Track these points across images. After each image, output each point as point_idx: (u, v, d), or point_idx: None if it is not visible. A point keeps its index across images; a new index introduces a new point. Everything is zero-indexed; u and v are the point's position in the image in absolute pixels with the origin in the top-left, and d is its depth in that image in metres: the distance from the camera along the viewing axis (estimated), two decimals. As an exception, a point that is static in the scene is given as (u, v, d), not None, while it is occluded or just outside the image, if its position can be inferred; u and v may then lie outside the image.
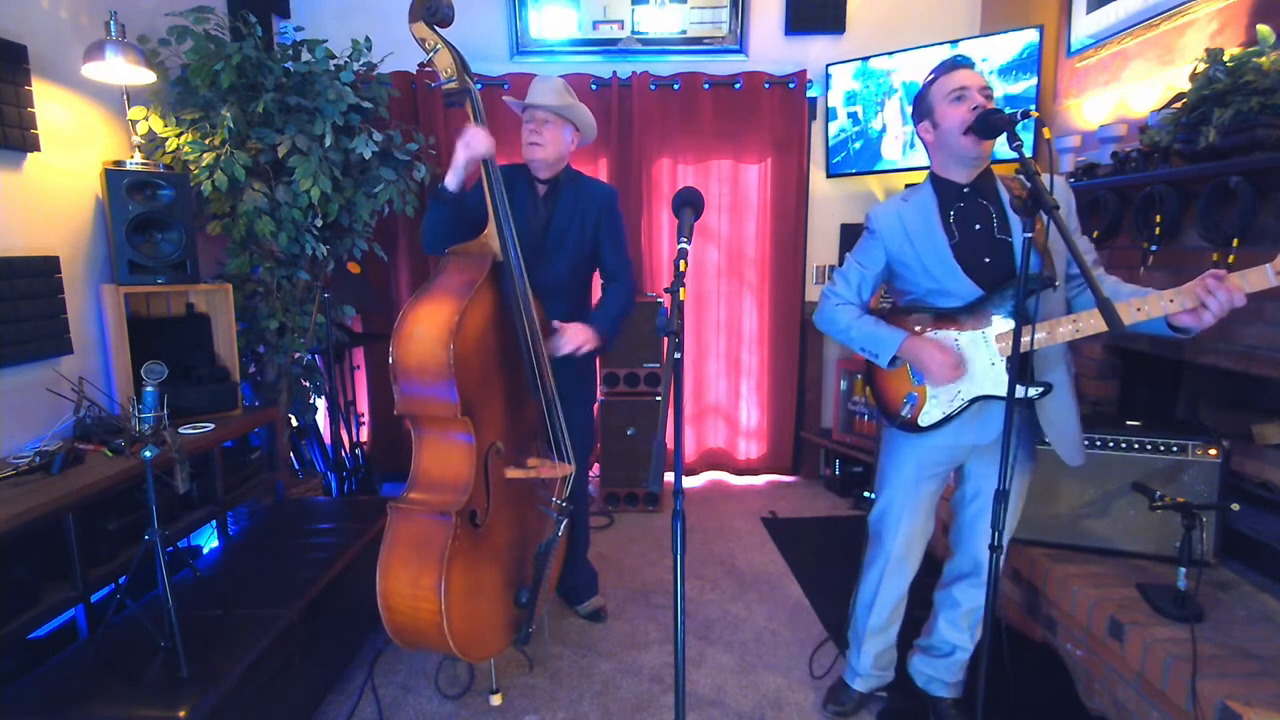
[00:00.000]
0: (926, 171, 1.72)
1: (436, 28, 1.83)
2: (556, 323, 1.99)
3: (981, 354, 1.60)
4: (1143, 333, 1.51)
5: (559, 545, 2.04)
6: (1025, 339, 1.52)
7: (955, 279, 1.60)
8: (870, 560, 1.86)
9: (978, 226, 1.61)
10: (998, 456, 1.66)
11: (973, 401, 1.62)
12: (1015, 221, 1.59)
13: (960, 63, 1.58)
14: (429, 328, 1.70)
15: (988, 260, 1.60)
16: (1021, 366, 1.57)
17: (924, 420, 1.66)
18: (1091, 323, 1.47)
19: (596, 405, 3.57)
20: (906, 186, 2.99)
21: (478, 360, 1.78)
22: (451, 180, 1.87)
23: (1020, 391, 1.55)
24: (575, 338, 1.98)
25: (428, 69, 1.89)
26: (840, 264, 3.11)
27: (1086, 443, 2.06)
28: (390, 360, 1.73)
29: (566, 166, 2.16)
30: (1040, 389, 1.56)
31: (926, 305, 1.67)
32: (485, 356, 1.82)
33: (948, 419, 1.64)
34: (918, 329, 1.65)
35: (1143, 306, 1.42)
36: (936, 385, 1.62)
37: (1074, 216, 1.61)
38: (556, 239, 2.12)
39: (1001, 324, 1.58)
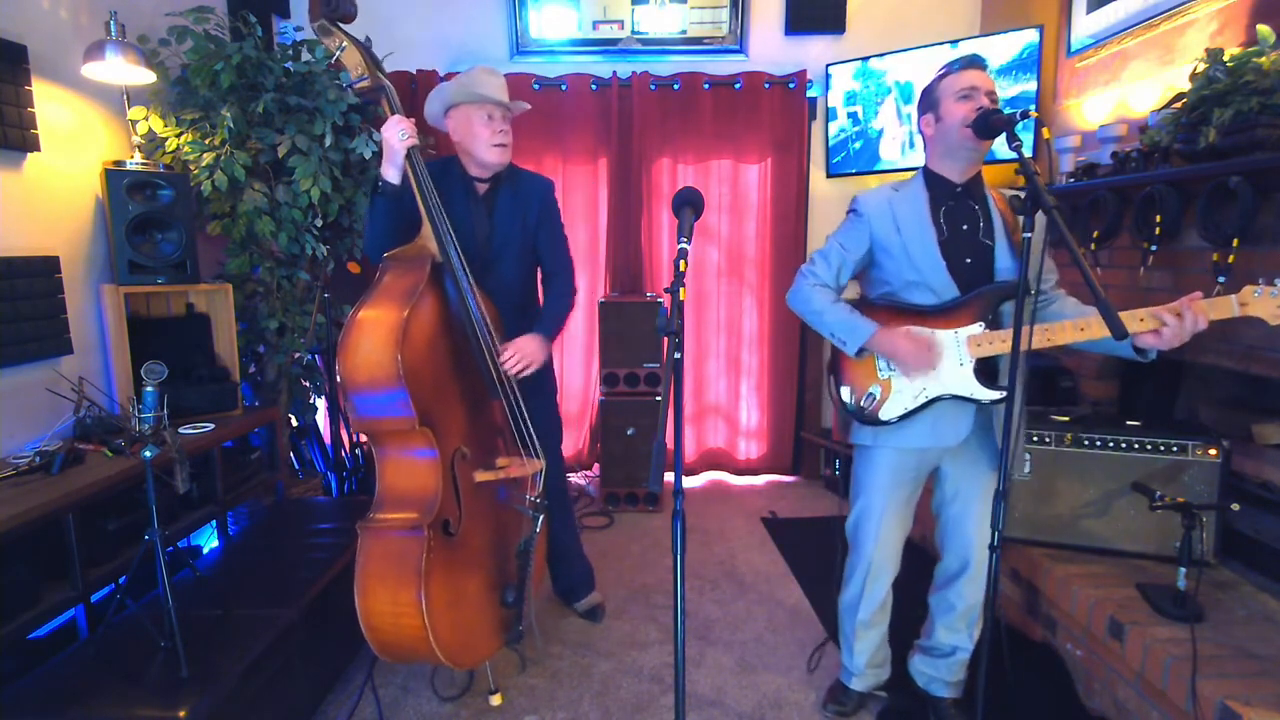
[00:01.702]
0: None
1: (340, 24, 1.75)
2: (502, 346, 1.90)
3: (951, 354, 1.61)
4: (1098, 352, 1.57)
5: (539, 541, 2.01)
6: (992, 343, 1.57)
7: (938, 274, 1.62)
8: (852, 567, 1.86)
9: (964, 226, 1.63)
10: (971, 456, 1.70)
11: (935, 401, 1.63)
12: (999, 227, 1.63)
13: (973, 62, 1.60)
14: (374, 339, 1.62)
15: (969, 261, 1.62)
16: (987, 370, 1.62)
17: (885, 414, 1.67)
18: (1093, 329, 1.49)
19: (591, 401, 3.60)
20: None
21: (429, 366, 1.71)
22: (393, 174, 1.79)
23: (983, 395, 1.60)
24: (528, 355, 1.90)
25: (337, 67, 1.80)
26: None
27: (1086, 443, 2.07)
28: (338, 377, 1.65)
29: None
30: (1003, 392, 1.58)
31: (899, 300, 1.69)
32: (437, 361, 1.75)
33: (908, 415, 1.65)
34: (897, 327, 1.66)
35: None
36: (912, 374, 1.63)
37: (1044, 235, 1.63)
38: (501, 243, 2.04)
39: (975, 327, 1.59)
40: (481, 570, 1.87)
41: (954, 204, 1.64)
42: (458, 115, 1.97)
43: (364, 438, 3.65)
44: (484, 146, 1.95)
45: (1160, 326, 1.40)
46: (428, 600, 1.63)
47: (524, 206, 2.07)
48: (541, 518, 1.96)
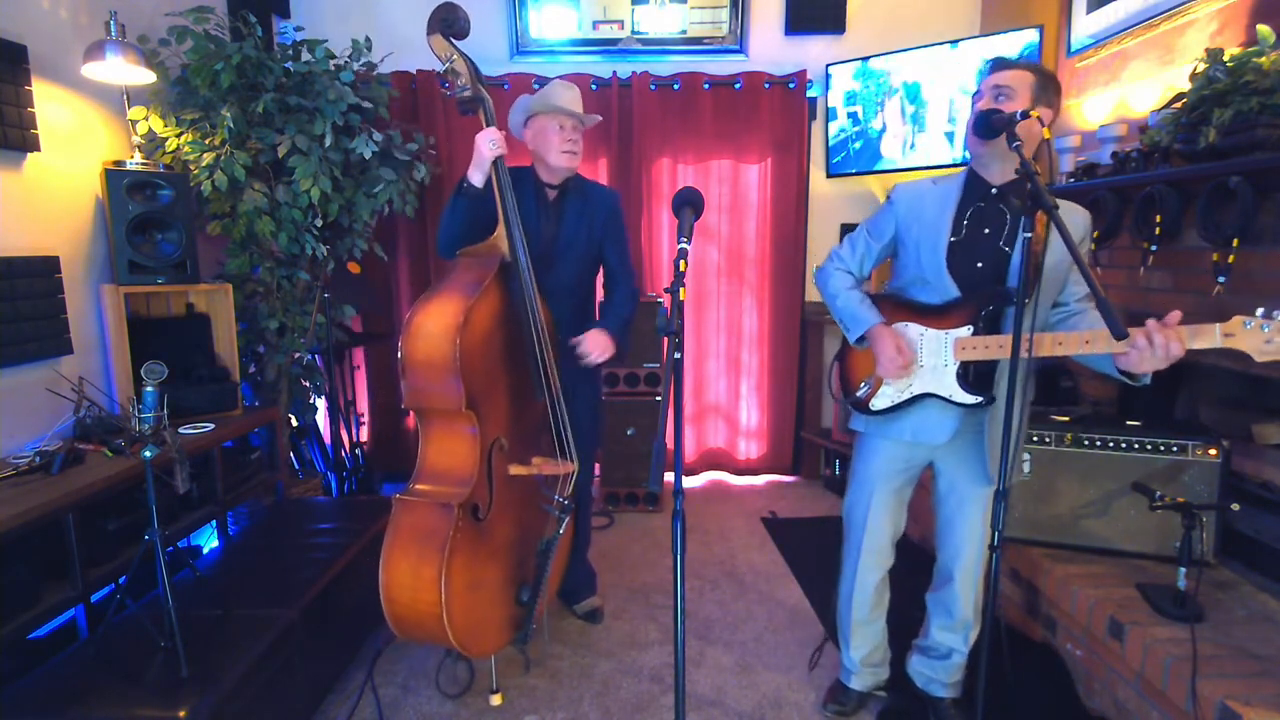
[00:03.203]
0: (926, 172, 1.73)
1: (453, 40, 1.90)
2: (575, 340, 2.02)
3: (939, 355, 1.63)
4: (1091, 367, 1.54)
5: (561, 544, 2.05)
6: (976, 348, 1.57)
7: (939, 274, 1.63)
8: (846, 553, 1.90)
9: (987, 230, 1.61)
10: (963, 455, 1.71)
11: (919, 398, 1.66)
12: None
13: (993, 66, 1.58)
14: (436, 323, 1.74)
15: (979, 265, 1.61)
16: (978, 374, 1.61)
17: (875, 405, 1.72)
18: (1071, 344, 1.46)
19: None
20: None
21: (483, 356, 1.81)
22: (478, 177, 1.92)
23: (960, 398, 1.61)
24: (599, 346, 2.03)
25: (445, 77, 1.94)
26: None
27: (1086, 443, 2.07)
28: (399, 355, 1.77)
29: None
30: (981, 398, 1.59)
31: (904, 296, 1.71)
32: (491, 352, 1.85)
33: (895, 408, 1.69)
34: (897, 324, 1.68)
35: (1091, 340, 1.42)
36: (883, 377, 1.67)
37: (1086, 242, 1.61)
38: (565, 245, 2.14)
39: (964, 330, 1.60)
40: (502, 562, 1.91)
41: (984, 205, 1.62)
42: (534, 124, 2.10)
43: (364, 436, 3.66)
44: (555, 152, 2.06)
45: (1130, 349, 1.33)
46: (447, 579, 1.68)
47: (591, 215, 2.18)
48: (567, 519, 2.02)
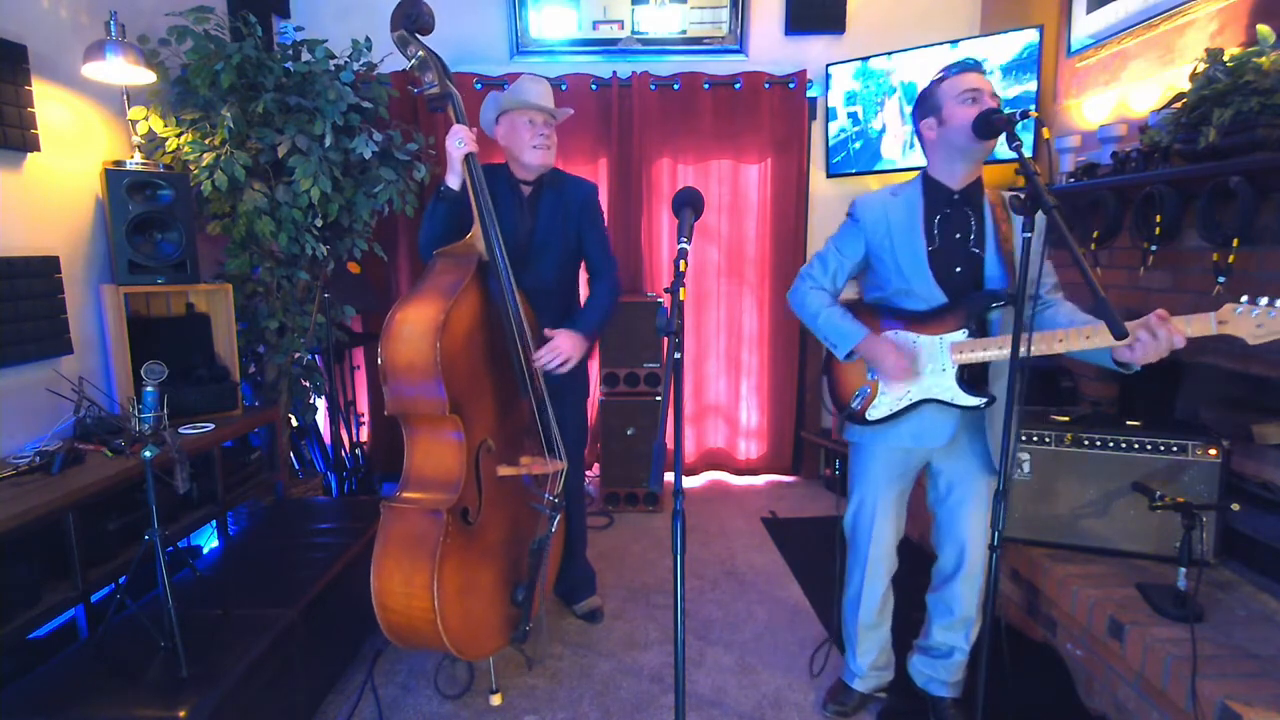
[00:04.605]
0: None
1: (418, 35, 1.86)
2: (547, 331, 1.98)
3: (935, 360, 1.63)
4: (1088, 362, 1.55)
5: (553, 542, 2.04)
6: (974, 350, 1.57)
7: (925, 284, 1.63)
8: (851, 564, 1.89)
9: (957, 235, 1.63)
10: (962, 454, 1.72)
11: (919, 404, 1.65)
12: (990, 236, 1.63)
13: (971, 65, 1.60)
14: (416, 327, 1.72)
15: (959, 270, 1.63)
16: (972, 376, 1.62)
17: (871, 414, 1.70)
18: (1072, 340, 1.47)
19: (592, 401, 3.61)
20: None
21: (465, 358, 1.79)
22: (454, 180, 1.89)
23: (963, 400, 1.61)
24: (564, 350, 1.95)
25: (412, 75, 1.91)
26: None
27: (1086, 443, 2.07)
28: (379, 361, 1.75)
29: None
30: (985, 399, 1.60)
31: (890, 305, 1.71)
32: (473, 355, 1.83)
33: (893, 416, 1.68)
34: (885, 331, 1.68)
35: (1091, 335, 1.43)
36: (889, 384, 1.66)
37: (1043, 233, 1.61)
38: (542, 242, 2.11)
39: (958, 334, 1.60)
40: (495, 564, 1.90)
41: (950, 211, 1.64)
42: (505, 121, 2.07)
43: (364, 436, 3.65)
44: (527, 149, 2.03)
45: (1134, 342, 1.36)
46: (440, 585, 1.67)
47: (566, 208, 2.14)
48: (558, 517, 2.01)
